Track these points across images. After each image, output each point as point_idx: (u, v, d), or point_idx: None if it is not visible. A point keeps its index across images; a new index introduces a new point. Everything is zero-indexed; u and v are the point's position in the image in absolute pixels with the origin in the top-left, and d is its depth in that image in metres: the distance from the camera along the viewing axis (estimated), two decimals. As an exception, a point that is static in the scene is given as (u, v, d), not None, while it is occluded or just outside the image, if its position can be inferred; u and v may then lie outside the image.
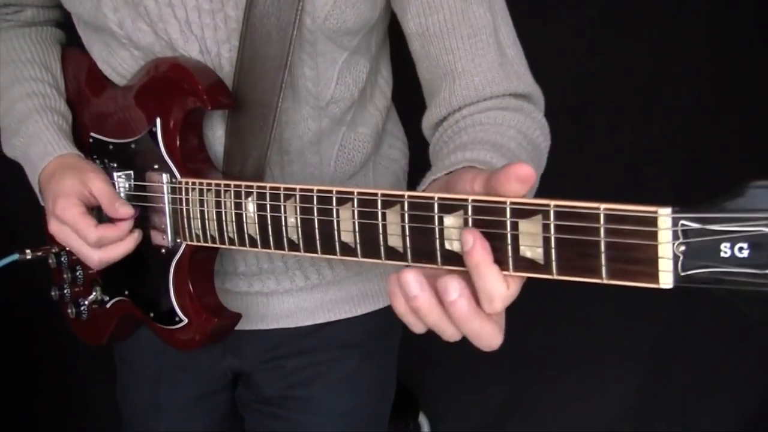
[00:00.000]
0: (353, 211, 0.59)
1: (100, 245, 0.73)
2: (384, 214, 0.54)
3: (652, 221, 0.45)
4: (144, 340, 0.94)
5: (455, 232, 0.53)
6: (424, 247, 0.53)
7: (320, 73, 0.78)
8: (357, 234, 0.58)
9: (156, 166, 0.76)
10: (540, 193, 1.23)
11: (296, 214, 0.63)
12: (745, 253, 0.44)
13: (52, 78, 0.86)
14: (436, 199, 0.51)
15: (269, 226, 0.66)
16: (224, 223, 0.70)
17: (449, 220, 0.50)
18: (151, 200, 0.76)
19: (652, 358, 1.90)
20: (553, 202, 0.48)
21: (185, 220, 0.73)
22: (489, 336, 0.53)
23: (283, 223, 0.64)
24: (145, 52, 0.75)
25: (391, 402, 0.99)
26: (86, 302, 0.92)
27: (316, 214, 0.62)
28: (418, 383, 1.84)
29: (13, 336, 1.88)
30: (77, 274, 0.89)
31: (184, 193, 0.72)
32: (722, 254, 0.43)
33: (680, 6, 1.70)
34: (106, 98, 0.87)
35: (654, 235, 0.43)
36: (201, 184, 0.70)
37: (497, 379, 1.92)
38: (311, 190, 0.60)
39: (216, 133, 0.76)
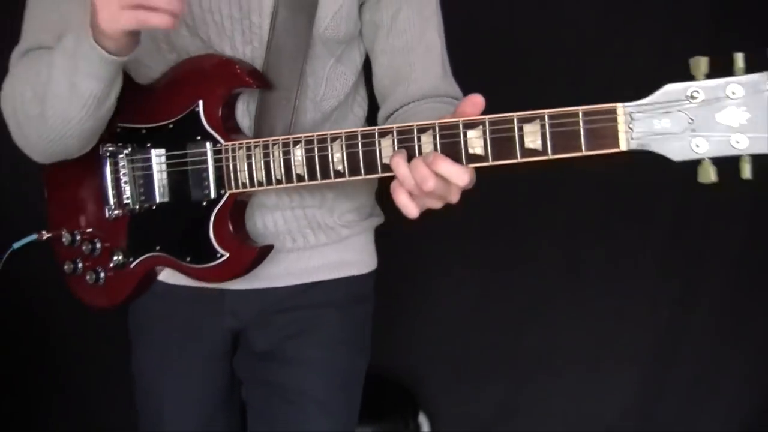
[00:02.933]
0: (393, 140, 0.83)
1: None
2: (419, 137, 0.79)
3: (613, 111, 0.73)
4: (154, 307, 1.11)
5: (478, 141, 0.80)
6: (455, 155, 0.81)
7: (316, 71, 0.99)
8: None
9: (198, 138, 0.97)
10: (542, 190, 1.81)
11: (342, 150, 0.87)
12: (666, 124, 0.73)
13: None
14: (461, 122, 0.80)
15: (317, 164, 0.89)
16: (272, 169, 0.91)
17: (471, 133, 0.79)
18: (192, 164, 0.98)
19: (652, 358, 2.03)
20: (546, 112, 0.76)
21: (231, 174, 0.94)
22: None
23: (330, 159, 0.87)
24: (178, 53, 0.97)
25: (365, 366, 1.18)
26: (107, 268, 1.09)
27: (360, 147, 0.86)
28: (418, 383, 1.98)
29: (13, 335, 1.92)
30: (96, 245, 1.08)
31: (230, 152, 0.93)
32: (656, 126, 0.71)
33: (680, 6, 1.81)
34: (134, 93, 1.04)
35: (615, 119, 0.71)
36: (248, 143, 0.92)
37: (497, 379, 2.03)
38: (355, 131, 0.85)
39: (244, 111, 1.00)
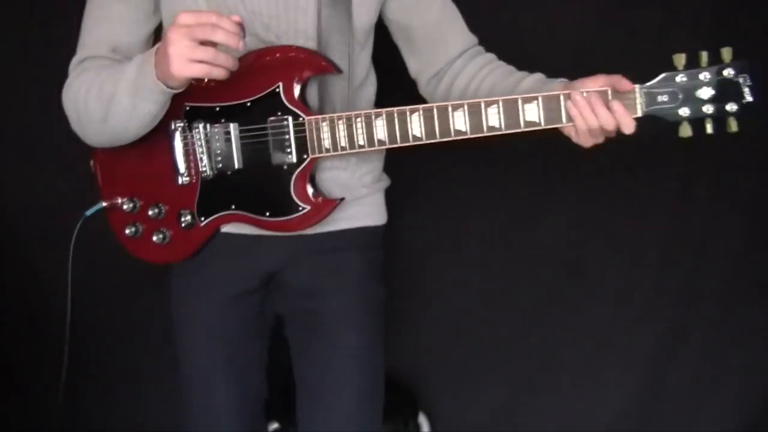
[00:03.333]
0: (464, 112, 1.20)
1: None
2: (487, 110, 1.19)
3: (633, 90, 1.15)
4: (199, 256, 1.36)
5: (532, 112, 1.19)
6: (515, 122, 1.23)
7: (351, 57, 1.33)
8: (468, 123, 1.20)
9: (279, 113, 1.27)
10: (542, 190, 1.95)
11: (420, 120, 1.22)
12: (665, 98, 1.12)
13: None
14: (519, 98, 1.22)
15: (397, 131, 1.22)
16: (355, 136, 1.24)
17: (528, 105, 1.21)
18: (273, 135, 1.27)
19: (652, 358, 2.13)
20: (584, 90, 1.18)
21: (315, 142, 1.24)
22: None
23: (409, 127, 1.22)
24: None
25: (384, 296, 1.46)
26: (175, 228, 1.35)
27: (436, 117, 1.22)
28: (418, 383, 2.11)
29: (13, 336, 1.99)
30: (162, 209, 1.35)
31: (313, 125, 1.24)
32: (659, 99, 1.13)
33: (680, 6, 1.92)
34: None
35: (634, 95, 1.14)
36: (331, 117, 1.25)
37: (497, 379, 2.15)
38: (431, 106, 1.20)
39: (310, 92, 1.30)
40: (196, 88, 1.25)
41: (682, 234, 2.06)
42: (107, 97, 1.19)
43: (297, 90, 1.27)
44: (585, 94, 1.15)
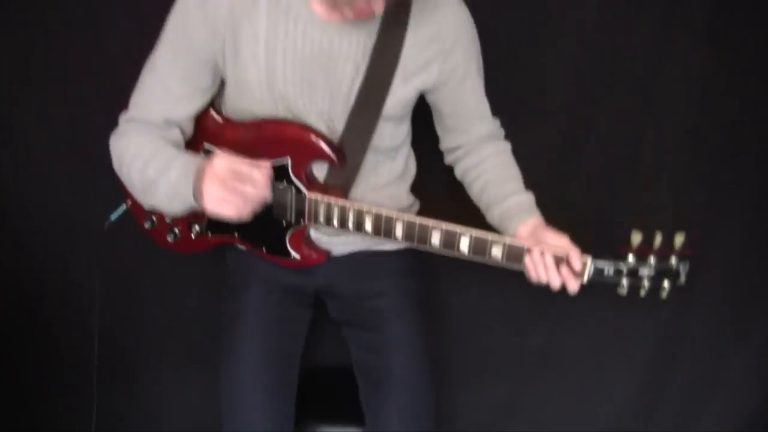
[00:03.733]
0: (440, 233, 1.48)
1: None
2: (460, 238, 1.46)
3: (585, 263, 1.44)
4: (252, 267, 1.74)
5: (497, 251, 1.48)
6: (483, 253, 1.49)
7: (378, 143, 1.64)
8: (442, 242, 1.48)
9: (285, 182, 1.60)
10: (541, 190, 1.86)
11: (403, 228, 1.49)
12: (611, 272, 1.47)
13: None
14: (490, 238, 1.46)
15: (382, 229, 1.55)
16: (346, 222, 1.54)
17: (495, 248, 1.45)
18: (275, 196, 1.55)
19: (653, 357, 2.29)
20: (544, 252, 1.43)
21: (312, 215, 1.56)
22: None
23: (393, 229, 1.52)
24: (285, 114, 1.55)
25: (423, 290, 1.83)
26: (184, 232, 1.70)
27: (416, 230, 1.49)
28: None
29: (13, 336, 2.27)
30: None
31: (312, 203, 1.55)
32: (605, 273, 1.44)
33: (680, 6, 1.97)
34: (221, 123, 1.57)
35: (585, 266, 1.45)
36: (329, 200, 1.53)
37: (497, 379, 2.36)
38: (415, 220, 1.47)
39: (319, 168, 1.62)
40: (214, 131, 1.61)
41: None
42: (149, 180, 1.55)
43: (303, 167, 1.62)
44: (542, 253, 1.50)
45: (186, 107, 1.59)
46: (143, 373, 2.16)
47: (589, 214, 2.10)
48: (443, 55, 1.64)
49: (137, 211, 1.80)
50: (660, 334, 2.22)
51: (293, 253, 1.68)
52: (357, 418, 1.72)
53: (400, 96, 1.63)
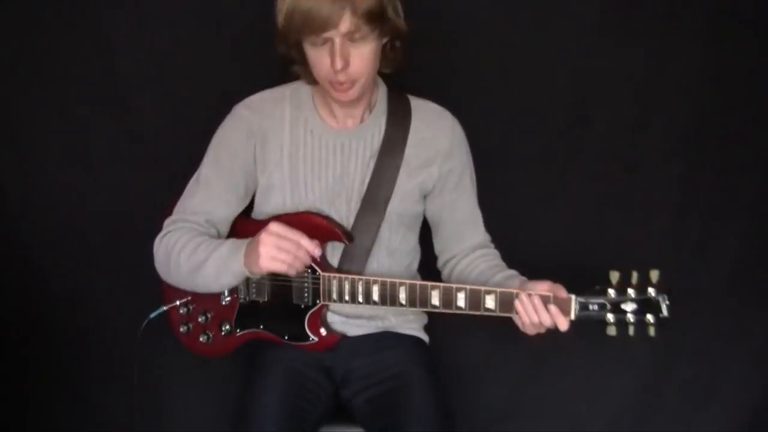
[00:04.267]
0: (439, 292, 1.69)
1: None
2: (457, 295, 1.65)
3: (568, 300, 1.59)
4: (275, 354, 1.89)
5: (491, 302, 1.64)
6: (477, 306, 1.66)
7: (391, 233, 1.89)
8: (441, 301, 1.66)
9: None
10: (541, 190, 2.09)
11: (406, 292, 1.70)
12: (596, 307, 1.62)
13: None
14: (482, 290, 1.63)
15: (388, 296, 1.75)
16: (357, 294, 1.76)
17: (489, 297, 1.62)
18: (295, 282, 1.78)
19: (653, 357, 2.33)
20: (531, 294, 1.59)
21: (326, 293, 1.77)
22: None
23: (397, 295, 1.72)
24: (297, 208, 1.82)
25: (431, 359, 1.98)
26: (216, 333, 1.89)
27: (418, 292, 1.69)
28: None
29: (14, 336, 2.41)
30: (208, 316, 1.91)
31: (326, 280, 1.76)
32: (590, 308, 1.60)
33: (680, 6, 2.07)
34: (247, 223, 1.80)
35: (569, 302, 1.59)
36: (340, 276, 1.74)
37: (497, 379, 2.42)
38: (415, 284, 1.67)
39: (332, 252, 1.86)
40: (241, 229, 1.85)
41: (682, 234, 2.28)
42: (199, 261, 1.77)
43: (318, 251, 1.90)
44: (530, 296, 1.65)
45: (225, 210, 1.86)
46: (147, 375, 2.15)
47: (588, 214, 2.15)
48: (442, 158, 1.89)
49: (174, 318, 1.98)
50: (660, 334, 2.18)
51: (311, 336, 1.84)
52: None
53: (406, 190, 1.86)
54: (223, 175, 1.86)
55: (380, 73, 1.83)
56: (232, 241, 1.80)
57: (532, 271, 1.77)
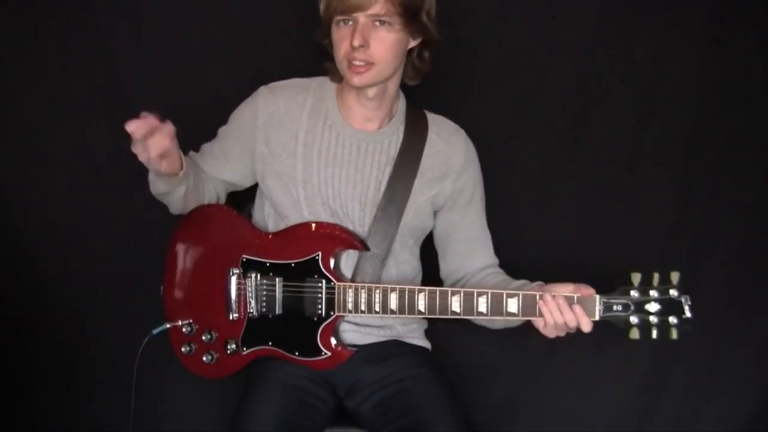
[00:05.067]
0: (460, 297, 1.64)
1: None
2: (478, 300, 1.61)
3: (594, 299, 1.57)
4: (275, 369, 1.84)
5: (513, 304, 1.61)
6: (500, 310, 1.64)
7: (402, 245, 1.91)
8: (462, 306, 1.62)
9: (316, 276, 1.79)
10: (541, 191, 2.08)
11: (425, 299, 1.68)
12: (619, 308, 1.59)
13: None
14: (505, 293, 1.61)
15: (406, 305, 1.71)
16: (373, 303, 1.73)
17: (511, 300, 1.61)
18: (308, 292, 1.73)
19: (653, 357, 2.34)
20: (557, 295, 1.57)
21: (341, 303, 1.72)
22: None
23: (416, 303, 1.70)
24: (316, 216, 1.79)
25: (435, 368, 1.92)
26: (221, 352, 1.82)
27: (438, 299, 1.66)
28: None
29: (14, 336, 2.38)
30: (213, 335, 1.83)
31: (341, 289, 1.72)
32: (614, 308, 1.59)
33: (680, 6, 2.09)
34: (257, 235, 1.80)
35: (594, 302, 1.57)
36: (356, 285, 1.71)
37: (497, 379, 2.43)
38: (435, 289, 1.65)
39: (346, 262, 1.84)
40: (252, 244, 1.80)
41: (682, 234, 2.28)
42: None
43: (332, 260, 1.82)
44: (554, 296, 1.64)
45: (220, 173, 1.85)
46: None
47: (588, 214, 2.17)
48: (455, 173, 1.91)
49: (175, 336, 1.87)
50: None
51: (324, 351, 1.77)
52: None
53: (419, 203, 1.85)
54: (228, 145, 1.89)
55: (403, 86, 1.85)
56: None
57: (532, 271, 1.78)
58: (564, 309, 1.61)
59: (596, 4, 2.12)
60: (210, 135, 1.90)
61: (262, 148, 1.87)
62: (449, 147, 1.92)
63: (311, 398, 1.87)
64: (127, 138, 1.90)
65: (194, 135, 1.87)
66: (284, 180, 1.86)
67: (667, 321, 1.55)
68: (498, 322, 1.79)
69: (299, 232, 1.83)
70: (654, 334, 1.58)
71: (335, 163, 1.85)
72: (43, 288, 2.28)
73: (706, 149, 2.15)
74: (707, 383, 2.34)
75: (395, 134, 1.88)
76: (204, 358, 1.88)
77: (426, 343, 2.04)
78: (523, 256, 2.18)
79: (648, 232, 2.25)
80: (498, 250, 2.02)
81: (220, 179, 1.95)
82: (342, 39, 1.71)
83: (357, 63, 1.70)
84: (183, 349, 1.90)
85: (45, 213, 2.27)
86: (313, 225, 1.82)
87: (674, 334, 1.55)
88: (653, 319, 1.56)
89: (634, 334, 1.59)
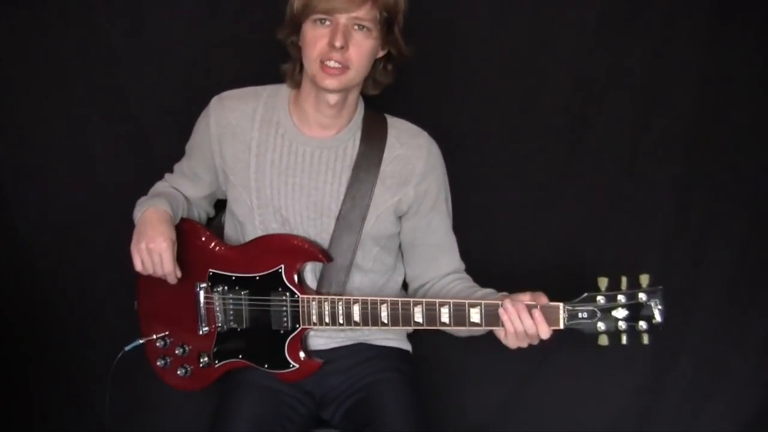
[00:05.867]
0: (422, 308, 1.60)
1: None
2: (440, 309, 1.57)
3: (557, 307, 1.51)
4: (251, 376, 1.82)
5: (476, 315, 1.56)
6: (462, 321, 1.58)
7: (365, 254, 1.83)
8: (424, 317, 1.58)
9: (279, 289, 1.76)
10: (541, 191, 2.04)
11: (387, 310, 1.62)
12: (585, 315, 1.52)
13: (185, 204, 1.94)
14: (467, 302, 1.57)
15: (369, 316, 1.66)
16: (337, 315, 1.69)
17: (473, 310, 1.56)
18: (273, 306, 1.70)
19: (653, 357, 2.31)
20: (519, 303, 1.53)
21: (305, 316, 1.69)
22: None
23: (378, 314, 1.66)
24: (266, 230, 1.78)
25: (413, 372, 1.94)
26: (195, 365, 1.82)
27: (400, 309, 1.62)
28: (417, 382, 2.23)
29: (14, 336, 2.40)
30: (186, 348, 1.84)
31: (305, 302, 1.69)
32: (579, 315, 1.52)
33: (680, 6, 2.07)
34: (224, 249, 1.79)
35: (558, 310, 1.51)
36: (319, 297, 1.68)
37: (497, 379, 2.40)
38: (397, 300, 1.60)
39: (310, 274, 1.81)
40: (219, 257, 1.78)
41: (681, 234, 2.27)
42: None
43: (296, 272, 1.78)
44: (514, 303, 1.59)
45: (191, 190, 1.85)
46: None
47: (588, 214, 2.14)
48: (418, 177, 1.83)
49: (151, 351, 1.89)
50: (660, 334, 2.14)
51: (292, 363, 1.75)
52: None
53: (381, 210, 1.79)
54: (194, 163, 1.88)
55: (364, 96, 1.80)
56: (158, 198, 1.78)
57: (532, 271, 1.76)
58: (523, 315, 1.57)
59: (595, 4, 2.10)
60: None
61: (218, 160, 1.86)
62: (410, 151, 1.85)
63: (289, 401, 1.85)
64: (128, 138, 2.04)
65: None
66: (239, 189, 1.84)
67: (637, 326, 1.48)
68: (462, 331, 1.74)
69: (263, 244, 1.81)
70: (624, 339, 1.51)
71: (288, 171, 1.81)
72: (42, 288, 2.30)
73: (706, 149, 2.13)
74: (707, 383, 2.31)
75: (351, 140, 1.83)
76: (178, 372, 1.90)
77: (406, 345, 2.00)
78: (523, 257, 2.17)
79: (648, 232, 2.22)
80: (498, 250, 1.98)
81: (201, 197, 1.95)
82: (318, 38, 1.66)
83: (332, 64, 1.66)
84: (158, 363, 1.93)
85: (44, 212, 2.28)
86: (276, 237, 1.80)
87: (645, 340, 1.49)
88: (621, 325, 1.50)
89: (603, 340, 1.53)
